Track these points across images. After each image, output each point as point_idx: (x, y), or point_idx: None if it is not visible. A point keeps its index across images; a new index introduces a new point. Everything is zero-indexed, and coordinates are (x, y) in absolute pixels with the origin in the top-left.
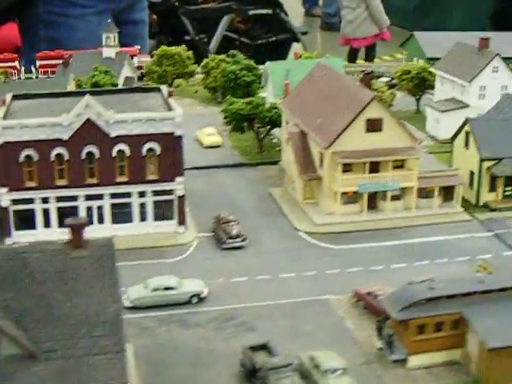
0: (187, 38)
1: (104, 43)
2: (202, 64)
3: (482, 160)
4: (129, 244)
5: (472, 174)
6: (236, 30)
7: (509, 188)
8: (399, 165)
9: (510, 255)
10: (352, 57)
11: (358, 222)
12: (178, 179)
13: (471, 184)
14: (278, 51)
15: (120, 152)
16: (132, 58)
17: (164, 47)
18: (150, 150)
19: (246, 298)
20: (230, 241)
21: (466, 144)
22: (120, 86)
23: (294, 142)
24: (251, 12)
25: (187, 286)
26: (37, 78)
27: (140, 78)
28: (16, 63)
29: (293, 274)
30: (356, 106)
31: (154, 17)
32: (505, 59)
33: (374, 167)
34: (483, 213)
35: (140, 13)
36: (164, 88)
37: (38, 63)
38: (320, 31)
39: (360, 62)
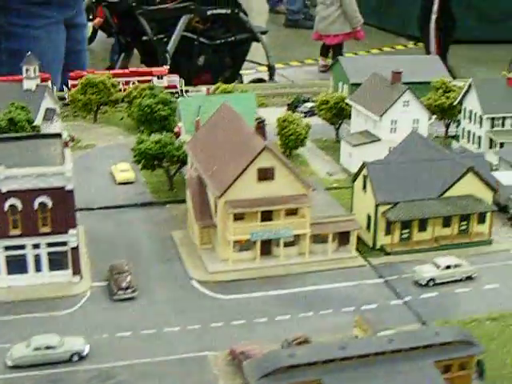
0: (145, 38)
1: (24, 75)
2: (125, 93)
3: (377, 205)
4: (25, 295)
5: (369, 217)
6: (194, 30)
7: (405, 231)
8: (292, 212)
9: (396, 304)
10: (324, 52)
11: (251, 269)
12: (71, 231)
13: (369, 227)
14: (238, 51)
15: (12, 206)
16: (161, 78)
17: (88, 76)
18: (42, 203)
19: (127, 354)
20: (120, 292)
21: (364, 187)
22: (39, 119)
23: (191, 186)
24: (209, 12)
25: (68, 344)
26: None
27: (66, 105)
28: None
29: (178, 327)
30: (248, 155)
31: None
32: (423, 83)
33: (267, 215)
34: (379, 257)
35: (81, 16)
36: (64, 135)
37: (69, 83)
38: (284, 28)
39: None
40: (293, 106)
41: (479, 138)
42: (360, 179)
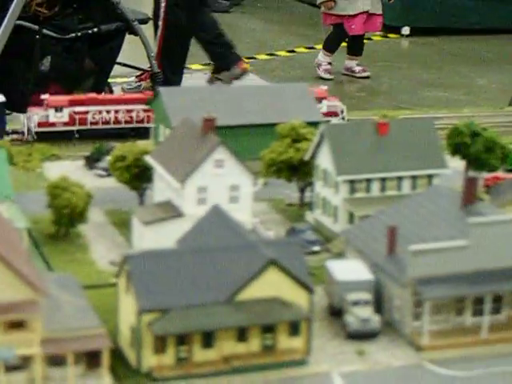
0: None
1: None
2: None
3: (140, 312)
4: None
5: (133, 328)
6: (36, 17)
7: (182, 348)
8: (16, 324)
9: None
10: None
11: None
12: None
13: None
14: (105, 49)
15: None
16: (320, 102)
17: None
18: None
19: None
20: None
21: (127, 287)
22: None
23: None
24: None
25: None
26: None
27: None
28: None
29: None
30: None
31: None
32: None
33: None
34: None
35: None
36: None
37: None
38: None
39: None
40: (92, 160)
41: (335, 208)
42: (123, 277)
